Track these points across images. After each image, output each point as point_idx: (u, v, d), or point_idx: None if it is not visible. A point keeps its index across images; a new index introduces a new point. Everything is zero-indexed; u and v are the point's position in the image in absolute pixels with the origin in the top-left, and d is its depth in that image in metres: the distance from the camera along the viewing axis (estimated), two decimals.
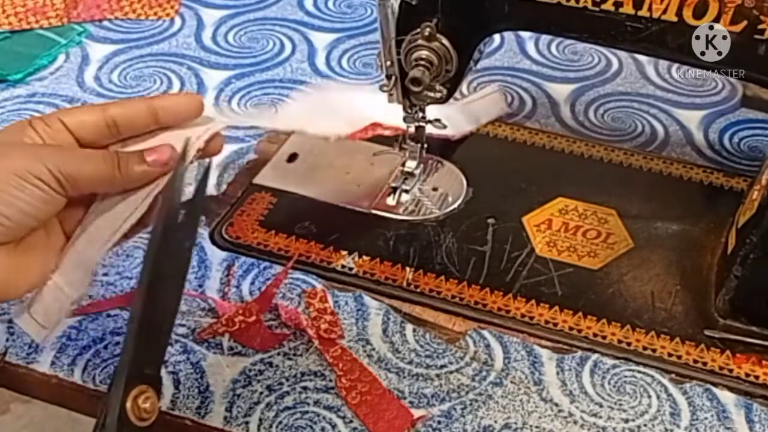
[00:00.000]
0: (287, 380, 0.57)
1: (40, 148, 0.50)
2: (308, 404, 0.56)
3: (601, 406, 0.56)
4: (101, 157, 0.50)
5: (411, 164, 0.69)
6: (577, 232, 0.67)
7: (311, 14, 0.95)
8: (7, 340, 0.60)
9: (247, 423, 0.55)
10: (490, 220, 0.68)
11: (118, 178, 0.50)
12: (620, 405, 0.56)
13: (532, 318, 0.61)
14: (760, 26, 0.52)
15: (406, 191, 0.69)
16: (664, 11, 0.54)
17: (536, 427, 0.55)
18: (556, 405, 0.56)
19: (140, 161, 0.51)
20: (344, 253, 0.66)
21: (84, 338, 0.60)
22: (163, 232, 0.45)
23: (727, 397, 0.57)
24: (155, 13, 0.95)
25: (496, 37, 0.89)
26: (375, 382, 0.57)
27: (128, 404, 0.42)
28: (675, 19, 0.54)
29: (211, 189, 0.71)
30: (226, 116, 0.56)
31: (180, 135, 0.52)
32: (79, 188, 0.50)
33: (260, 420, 0.55)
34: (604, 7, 0.55)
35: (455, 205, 0.70)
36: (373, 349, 0.59)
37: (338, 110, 0.64)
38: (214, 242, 0.67)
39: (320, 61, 0.88)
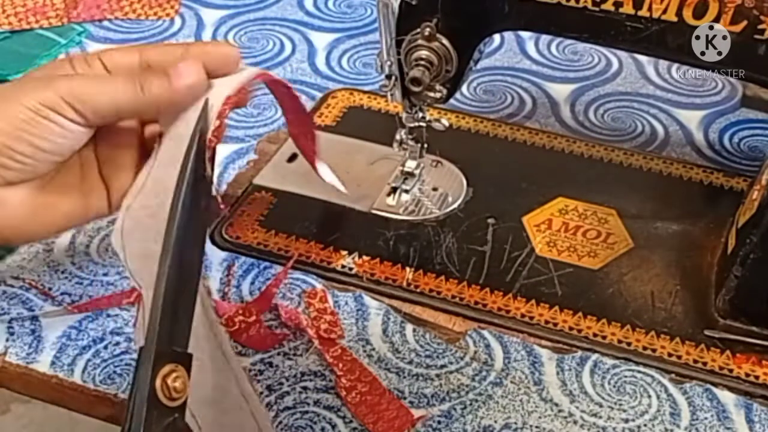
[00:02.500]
0: (287, 380, 0.57)
1: (53, 78, 0.47)
2: (308, 404, 0.56)
3: (601, 406, 0.56)
4: (121, 79, 0.48)
5: (411, 164, 0.69)
6: (577, 232, 0.67)
7: (311, 14, 0.95)
8: (7, 340, 0.60)
9: None
10: (490, 220, 0.68)
11: (141, 100, 0.47)
12: (620, 405, 0.56)
13: (532, 318, 0.61)
14: (760, 26, 0.52)
15: (406, 191, 0.69)
16: (664, 11, 0.54)
17: (536, 427, 0.55)
18: (556, 405, 0.56)
19: (164, 81, 0.48)
20: (344, 253, 0.66)
21: (84, 338, 0.60)
22: (185, 196, 0.44)
23: (727, 397, 0.57)
24: (155, 13, 0.95)
25: (496, 37, 0.89)
26: (375, 382, 0.57)
27: (157, 383, 0.41)
28: (675, 19, 0.54)
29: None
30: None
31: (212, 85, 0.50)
32: (100, 115, 0.47)
33: None
34: (604, 7, 0.55)
35: (455, 205, 0.70)
36: (373, 349, 0.59)
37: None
38: (214, 242, 0.67)
39: (320, 61, 0.88)
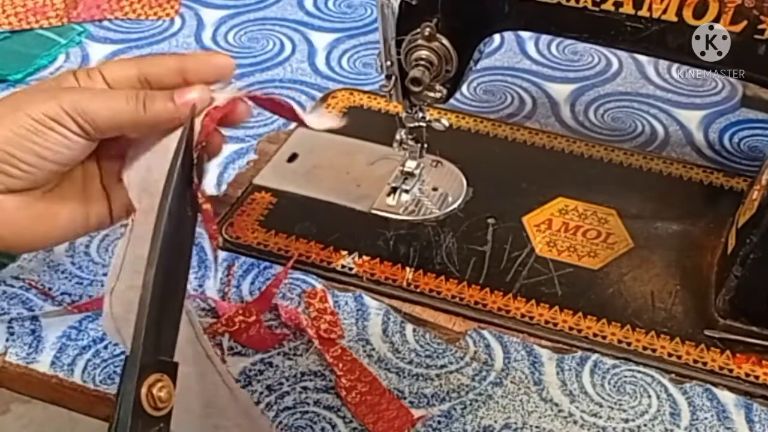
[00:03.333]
0: (287, 380, 0.57)
1: (59, 90, 0.48)
2: (308, 404, 0.56)
3: (601, 406, 0.56)
4: (124, 95, 0.48)
5: (411, 164, 0.69)
6: (577, 232, 0.67)
7: (311, 14, 0.95)
8: (7, 340, 0.60)
9: None
10: (490, 220, 0.68)
11: (142, 117, 0.48)
12: (620, 405, 0.56)
13: (532, 318, 0.61)
14: (760, 26, 0.52)
15: (406, 191, 0.69)
16: (664, 11, 0.54)
17: (536, 427, 0.55)
18: (556, 405, 0.56)
19: (167, 100, 0.48)
20: (344, 253, 0.66)
21: (84, 338, 0.60)
22: (171, 204, 0.44)
23: (727, 397, 0.57)
24: (155, 13, 0.95)
25: (496, 37, 0.89)
26: (375, 382, 0.57)
27: (143, 393, 0.41)
28: (675, 19, 0.54)
29: (211, 189, 0.71)
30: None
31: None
32: (102, 129, 0.47)
33: None
34: (604, 7, 0.55)
35: (455, 205, 0.70)
36: (373, 349, 0.59)
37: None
38: None
39: (320, 61, 0.88)
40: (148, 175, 0.49)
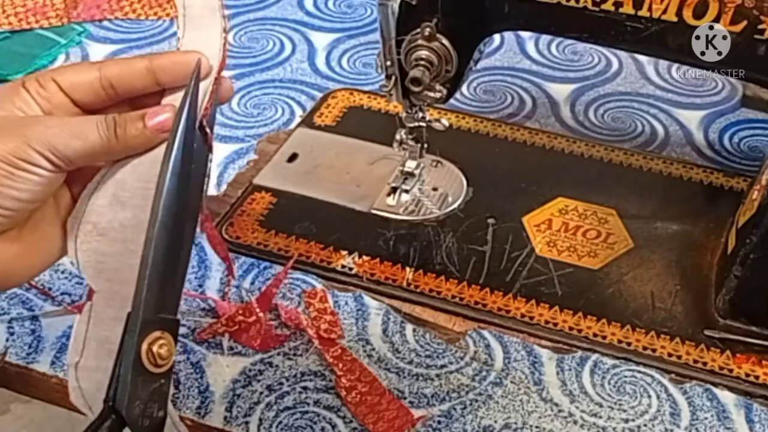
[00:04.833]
0: (287, 380, 0.57)
1: (24, 126, 0.45)
2: (308, 404, 0.56)
3: (601, 406, 0.56)
4: (95, 125, 0.46)
5: (411, 164, 0.69)
6: (577, 232, 0.67)
7: (311, 14, 0.95)
8: (7, 340, 0.60)
9: (247, 423, 0.55)
10: (490, 220, 0.68)
11: (116, 147, 0.46)
12: (620, 405, 0.56)
13: (532, 318, 0.61)
14: (760, 26, 0.52)
15: (406, 191, 0.69)
16: (664, 11, 0.54)
17: (536, 427, 0.55)
18: (556, 405, 0.56)
19: (140, 125, 0.46)
20: (344, 253, 0.66)
21: None
22: (174, 165, 0.43)
23: (727, 397, 0.57)
24: (155, 13, 0.95)
25: (496, 37, 0.89)
26: (375, 382, 0.57)
27: (143, 348, 0.41)
28: (675, 19, 0.54)
29: (211, 189, 0.71)
30: None
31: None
32: (74, 162, 0.46)
33: (260, 420, 0.55)
34: (604, 7, 0.55)
35: (455, 205, 0.70)
36: (373, 349, 0.59)
37: None
38: None
39: (320, 61, 0.88)
40: (104, 259, 0.47)
